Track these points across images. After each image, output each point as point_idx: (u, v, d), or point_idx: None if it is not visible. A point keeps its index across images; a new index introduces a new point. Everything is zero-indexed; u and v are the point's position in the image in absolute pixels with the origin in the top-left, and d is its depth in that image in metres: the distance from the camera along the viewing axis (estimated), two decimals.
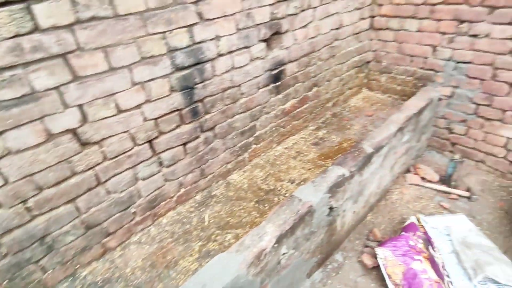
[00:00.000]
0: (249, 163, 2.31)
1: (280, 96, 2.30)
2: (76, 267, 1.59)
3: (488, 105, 2.33)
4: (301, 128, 2.66)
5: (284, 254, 1.49)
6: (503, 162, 2.40)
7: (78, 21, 1.24)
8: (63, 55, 1.25)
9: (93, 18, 1.27)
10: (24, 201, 1.34)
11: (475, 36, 2.22)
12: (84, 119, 1.38)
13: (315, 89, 2.59)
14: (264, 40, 2.01)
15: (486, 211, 2.19)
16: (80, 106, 1.34)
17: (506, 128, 2.29)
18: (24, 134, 1.24)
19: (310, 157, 2.36)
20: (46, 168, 1.34)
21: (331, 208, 1.70)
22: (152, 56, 1.49)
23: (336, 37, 2.54)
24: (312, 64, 2.45)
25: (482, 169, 2.54)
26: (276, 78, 2.20)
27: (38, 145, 1.30)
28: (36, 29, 1.16)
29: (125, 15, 1.34)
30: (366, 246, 1.99)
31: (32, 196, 1.35)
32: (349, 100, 3.04)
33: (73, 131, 1.37)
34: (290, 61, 2.24)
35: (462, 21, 2.25)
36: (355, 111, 2.90)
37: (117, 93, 1.43)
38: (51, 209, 1.41)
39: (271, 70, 2.14)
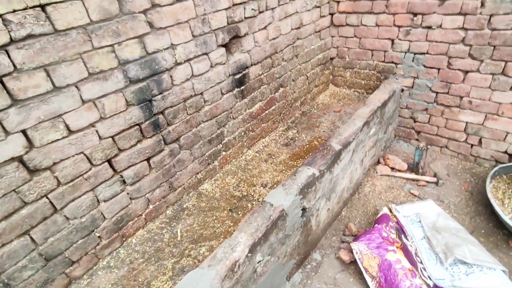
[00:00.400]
0: (220, 171, 2.27)
1: (246, 100, 2.27)
2: None
3: (446, 93, 2.43)
4: (271, 130, 2.65)
5: (259, 261, 1.46)
6: (465, 146, 2.51)
7: (13, 41, 1.14)
8: None
9: (29, 36, 1.17)
10: None
11: (429, 27, 2.31)
12: (30, 145, 1.28)
13: (281, 89, 2.59)
14: (224, 45, 1.97)
15: (452, 194, 2.28)
16: (23, 132, 1.24)
17: (464, 113, 2.40)
18: None
19: (282, 158, 2.35)
20: None
21: (304, 209, 1.70)
22: (101, 71, 1.41)
23: (297, 37, 2.55)
24: (276, 65, 2.44)
25: (446, 154, 2.65)
26: (240, 82, 2.17)
27: None
28: None
29: (66, 30, 1.25)
30: (343, 242, 2.01)
31: None
32: (317, 98, 3.07)
33: (19, 159, 1.26)
34: (252, 64, 2.22)
35: (416, 14, 2.33)
36: (323, 108, 2.93)
37: (65, 113, 1.34)
38: (3, 245, 1.29)
39: (234, 74, 2.11)
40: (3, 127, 1.19)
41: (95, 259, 1.66)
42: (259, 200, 2.00)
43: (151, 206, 1.86)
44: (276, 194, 1.59)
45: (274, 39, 2.33)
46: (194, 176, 2.08)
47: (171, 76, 1.71)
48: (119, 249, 1.74)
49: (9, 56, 1.15)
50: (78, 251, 1.56)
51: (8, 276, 1.33)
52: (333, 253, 1.95)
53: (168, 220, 1.91)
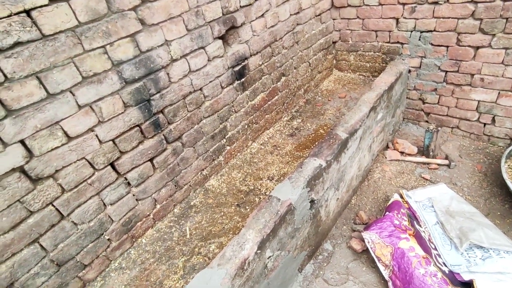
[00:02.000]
0: (225, 166, 2.24)
1: (247, 92, 2.21)
2: None
3: (456, 71, 2.32)
4: (275, 121, 2.59)
5: (269, 257, 1.45)
6: (477, 125, 2.42)
7: (0, 50, 1.11)
8: None
9: (17, 44, 1.14)
10: None
11: (435, 3, 2.18)
12: (30, 154, 1.26)
13: (283, 78, 2.51)
14: (220, 37, 1.91)
15: (465, 176, 2.21)
16: (22, 142, 1.23)
17: (476, 91, 2.29)
18: None
19: (287, 149, 2.30)
20: None
21: (312, 201, 1.66)
22: (95, 74, 1.37)
23: (297, 22, 2.45)
24: (277, 54, 2.36)
25: (457, 135, 2.55)
26: (240, 74, 2.11)
27: None
28: None
29: (54, 34, 1.21)
30: (354, 231, 1.98)
31: None
32: (321, 84, 2.98)
33: (20, 169, 1.25)
34: (252, 55, 2.15)
35: None
36: (327, 94, 2.85)
37: (62, 120, 1.31)
38: (13, 255, 1.30)
39: (233, 67, 2.05)
40: (1, 139, 1.17)
41: (106, 261, 1.67)
42: (266, 193, 1.97)
43: (158, 206, 1.86)
44: (283, 188, 1.56)
45: (272, 26, 2.24)
46: (199, 173, 2.06)
47: (167, 74, 1.67)
48: (130, 250, 1.75)
49: None
50: (89, 254, 1.57)
51: (22, 284, 1.35)
52: (345, 242, 1.92)
53: (176, 219, 1.91)
